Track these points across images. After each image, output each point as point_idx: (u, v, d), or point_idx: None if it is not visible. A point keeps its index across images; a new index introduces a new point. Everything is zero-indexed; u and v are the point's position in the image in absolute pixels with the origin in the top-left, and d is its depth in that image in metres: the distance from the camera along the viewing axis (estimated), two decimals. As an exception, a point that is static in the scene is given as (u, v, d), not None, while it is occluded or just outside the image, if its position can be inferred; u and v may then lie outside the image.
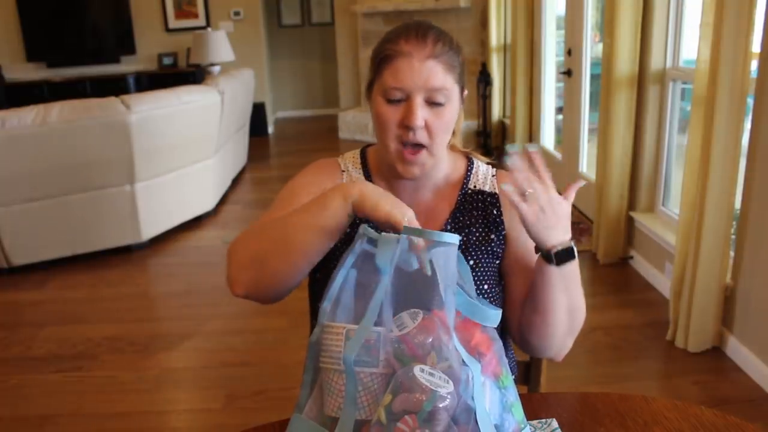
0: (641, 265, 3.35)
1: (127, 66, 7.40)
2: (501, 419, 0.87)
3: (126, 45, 7.32)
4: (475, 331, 0.90)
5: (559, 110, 4.91)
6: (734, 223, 2.50)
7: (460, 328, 0.88)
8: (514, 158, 1.01)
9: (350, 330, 0.87)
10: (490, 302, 1.16)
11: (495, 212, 1.20)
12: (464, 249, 1.17)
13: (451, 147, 1.26)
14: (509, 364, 1.22)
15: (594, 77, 4.05)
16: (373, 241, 0.94)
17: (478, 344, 0.89)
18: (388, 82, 1.09)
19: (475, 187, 1.23)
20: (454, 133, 1.24)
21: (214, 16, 7.40)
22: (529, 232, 1.03)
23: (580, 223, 4.04)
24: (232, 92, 4.63)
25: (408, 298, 0.89)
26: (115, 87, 6.61)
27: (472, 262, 1.16)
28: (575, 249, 1.05)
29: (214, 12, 7.39)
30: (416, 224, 0.94)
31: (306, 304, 1.27)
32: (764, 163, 2.31)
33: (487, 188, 1.23)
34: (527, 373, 1.37)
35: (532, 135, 5.26)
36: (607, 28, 3.27)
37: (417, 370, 0.82)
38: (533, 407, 1.05)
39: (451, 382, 0.82)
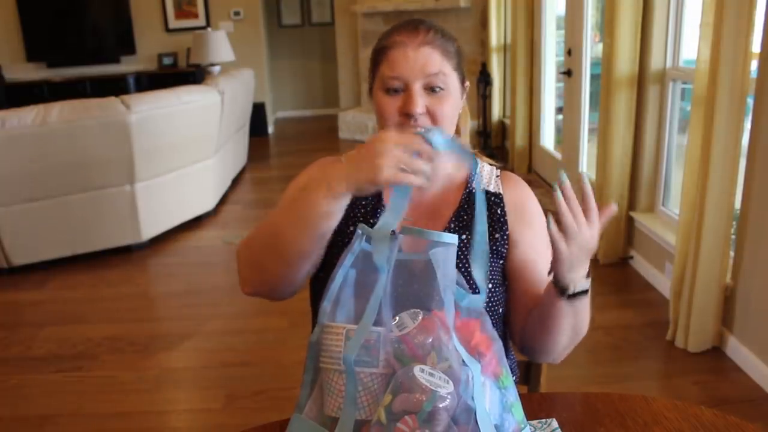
0: (641, 265, 3.35)
1: (127, 66, 7.39)
2: (501, 419, 0.87)
3: (126, 45, 7.31)
4: (475, 331, 0.90)
5: (559, 110, 4.91)
6: (734, 223, 2.50)
7: (460, 328, 0.88)
8: (563, 189, 0.95)
9: (350, 330, 0.87)
10: (494, 303, 1.16)
11: (499, 212, 1.20)
12: (468, 249, 1.16)
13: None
14: (510, 365, 1.23)
15: (594, 77, 4.05)
16: (372, 240, 0.94)
17: (478, 344, 0.89)
18: (386, 73, 1.11)
19: (479, 186, 1.23)
20: (459, 132, 1.24)
21: (214, 16, 7.40)
22: (555, 268, 1.00)
23: (580, 223, 4.03)
24: (232, 92, 4.63)
25: (407, 298, 0.90)
26: (115, 87, 6.61)
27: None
28: (589, 284, 1.02)
29: (214, 12, 7.39)
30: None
31: (306, 304, 1.27)
32: (764, 163, 2.31)
33: (491, 188, 1.22)
34: (527, 373, 1.37)
35: (532, 135, 5.26)
36: (607, 28, 3.27)
37: (417, 370, 0.82)
38: (533, 407, 1.05)
39: (451, 383, 0.82)
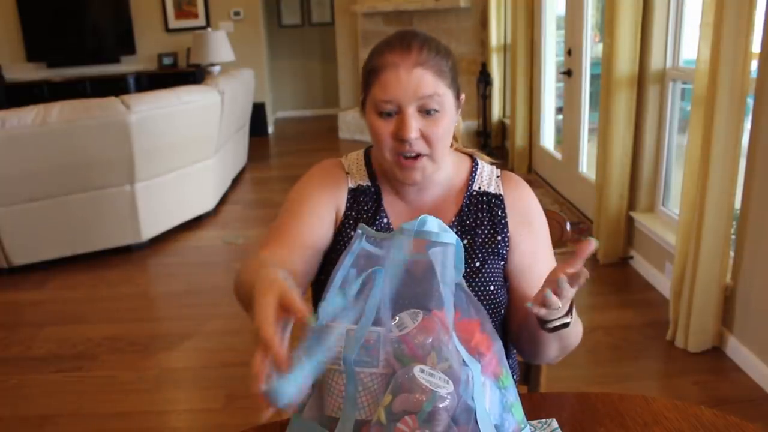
0: (641, 265, 3.35)
1: (127, 66, 7.40)
2: (501, 419, 0.87)
3: (126, 45, 7.32)
4: (475, 331, 0.90)
5: (559, 110, 4.91)
6: (734, 223, 2.50)
7: (459, 328, 0.88)
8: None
9: (350, 330, 0.87)
10: (495, 304, 1.16)
11: (500, 213, 1.20)
12: (470, 251, 1.16)
13: (455, 148, 1.26)
14: (510, 365, 1.23)
15: (594, 77, 4.05)
16: (371, 240, 0.94)
17: (478, 344, 0.89)
18: (378, 96, 1.08)
19: (480, 188, 1.22)
20: (455, 137, 1.24)
21: (214, 16, 7.40)
22: (536, 314, 0.97)
23: (580, 223, 4.04)
24: (232, 92, 4.63)
25: (407, 298, 0.90)
26: (115, 87, 6.61)
27: (478, 264, 1.16)
28: (571, 318, 1.00)
29: (214, 12, 7.39)
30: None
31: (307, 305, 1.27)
32: (764, 163, 2.31)
33: (492, 189, 1.22)
34: (527, 373, 1.38)
35: (532, 135, 5.26)
36: (607, 28, 3.27)
37: (417, 370, 0.82)
38: (533, 407, 1.05)
39: (451, 383, 0.82)
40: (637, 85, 3.25)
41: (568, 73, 4.31)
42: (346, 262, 0.94)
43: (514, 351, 1.28)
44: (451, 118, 1.12)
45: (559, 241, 1.37)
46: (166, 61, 7.37)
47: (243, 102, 5.29)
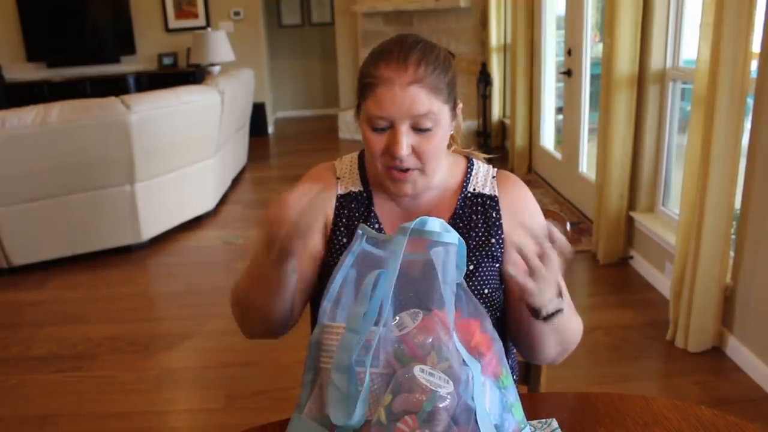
0: (641, 265, 3.35)
1: (127, 66, 7.39)
2: (501, 419, 0.87)
3: (126, 45, 7.31)
4: (475, 331, 0.90)
5: (559, 110, 4.91)
6: (734, 223, 2.50)
7: (460, 328, 0.88)
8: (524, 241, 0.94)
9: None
10: (491, 307, 1.16)
11: (495, 215, 1.19)
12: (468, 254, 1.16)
13: (453, 150, 1.26)
14: (510, 365, 1.23)
15: (594, 77, 4.05)
16: (371, 241, 0.94)
17: (478, 344, 0.89)
18: (372, 111, 1.07)
19: (474, 189, 1.21)
20: (454, 139, 1.23)
21: (214, 16, 7.40)
22: (524, 298, 0.97)
23: (580, 223, 4.04)
24: (232, 92, 4.63)
25: (407, 298, 0.89)
26: (115, 87, 6.61)
27: (472, 267, 1.15)
28: (563, 304, 1.00)
29: (214, 12, 7.39)
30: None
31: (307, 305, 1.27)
32: (764, 163, 2.31)
33: (486, 191, 1.21)
34: (527, 373, 1.38)
35: (532, 135, 5.26)
36: (607, 28, 3.27)
37: (417, 370, 0.82)
38: (533, 407, 1.05)
39: (451, 382, 0.82)
40: (637, 85, 3.25)
41: (568, 73, 4.31)
42: (347, 261, 0.94)
43: (514, 351, 1.27)
44: (445, 132, 1.11)
45: (559, 241, 1.37)
46: (166, 61, 7.37)
47: (243, 102, 5.29)
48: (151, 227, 4.01)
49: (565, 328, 1.07)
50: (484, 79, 5.83)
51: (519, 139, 5.33)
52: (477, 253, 1.16)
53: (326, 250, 1.19)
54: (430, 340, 0.85)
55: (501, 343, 0.93)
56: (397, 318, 0.88)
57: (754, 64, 2.31)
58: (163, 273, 3.79)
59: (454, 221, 1.19)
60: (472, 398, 0.83)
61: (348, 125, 7.21)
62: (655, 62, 3.18)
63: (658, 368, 2.61)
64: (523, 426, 0.90)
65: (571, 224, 1.43)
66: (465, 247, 0.90)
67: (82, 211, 3.76)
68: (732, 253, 2.54)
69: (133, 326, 3.09)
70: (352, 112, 7.19)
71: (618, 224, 3.44)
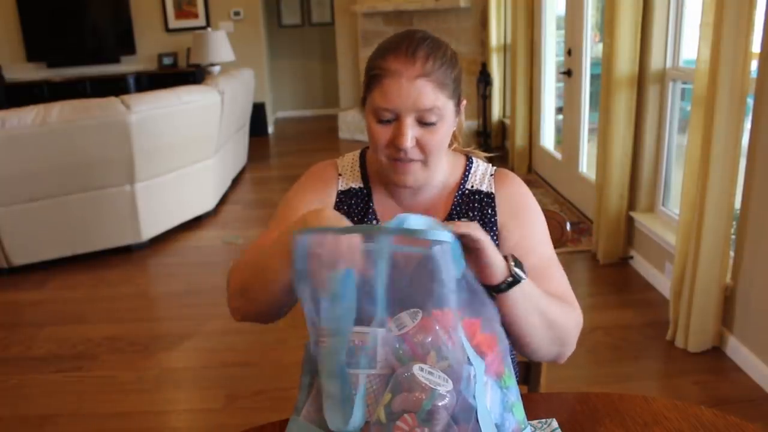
0: (641, 265, 3.35)
1: (127, 66, 7.40)
2: (502, 419, 0.87)
3: (126, 45, 7.32)
4: (477, 330, 0.90)
5: (559, 110, 4.91)
6: (734, 223, 2.50)
7: (462, 328, 0.88)
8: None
9: (353, 333, 0.87)
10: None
11: (490, 212, 1.20)
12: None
13: (453, 149, 1.26)
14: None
15: (594, 77, 4.05)
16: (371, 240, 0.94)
17: (480, 344, 0.89)
18: (378, 103, 1.08)
19: (472, 187, 1.22)
20: (456, 137, 1.24)
21: (214, 16, 7.40)
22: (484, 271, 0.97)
23: (580, 223, 4.04)
24: (232, 92, 4.63)
25: (405, 298, 0.89)
26: (115, 87, 6.61)
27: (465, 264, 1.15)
28: (519, 271, 1.00)
29: (214, 12, 7.39)
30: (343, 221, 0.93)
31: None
32: (764, 163, 2.31)
33: (483, 188, 1.22)
34: (527, 373, 1.38)
35: (532, 135, 5.26)
36: (607, 28, 3.27)
37: (416, 369, 0.82)
38: (533, 407, 1.05)
39: (450, 381, 0.82)
40: (637, 85, 3.25)
41: (568, 73, 4.31)
42: None
43: (514, 351, 1.27)
44: (449, 127, 1.12)
45: (559, 241, 1.37)
46: (166, 61, 7.37)
47: (243, 102, 5.29)
48: (151, 227, 4.02)
49: (549, 311, 1.05)
50: (484, 79, 5.83)
51: (519, 139, 5.33)
52: None
53: None
54: (430, 339, 0.85)
55: (506, 343, 0.93)
56: (397, 317, 0.88)
57: (754, 64, 2.31)
58: (163, 273, 3.79)
59: (451, 218, 1.20)
60: (473, 397, 0.83)
61: (348, 125, 7.21)
62: (655, 62, 3.18)
63: (658, 368, 2.61)
64: (523, 426, 0.90)
65: (571, 224, 1.43)
66: (459, 245, 0.90)
67: (82, 211, 3.76)
68: (732, 253, 2.54)
69: (133, 326, 3.09)
70: (352, 112, 7.21)
71: (618, 224, 3.44)
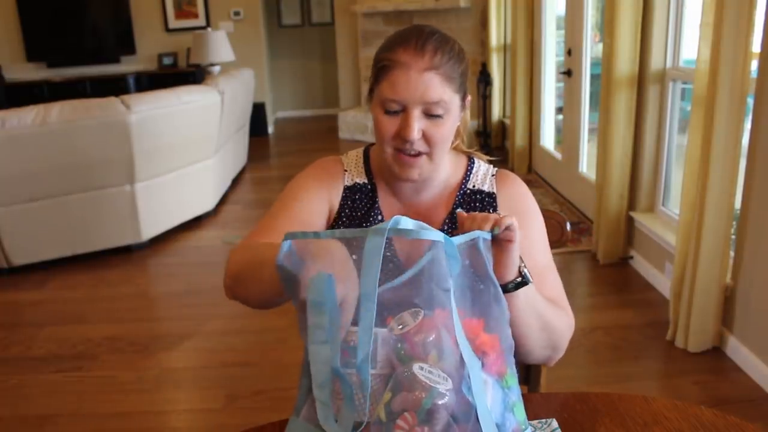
0: (641, 265, 3.35)
1: (127, 66, 7.40)
2: (503, 418, 0.87)
3: (126, 45, 7.32)
4: (479, 330, 0.90)
5: (559, 110, 4.91)
6: (734, 223, 2.50)
7: (463, 327, 0.88)
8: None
9: (349, 332, 0.87)
10: None
11: (491, 212, 1.20)
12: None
13: (455, 147, 1.26)
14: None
15: (594, 77, 4.05)
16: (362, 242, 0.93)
17: (483, 344, 0.89)
18: (386, 94, 1.09)
19: (474, 186, 1.22)
20: (459, 133, 1.24)
21: (214, 16, 7.40)
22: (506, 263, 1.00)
23: (580, 223, 4.04)
24: (232, 92, 4.63)
25: (399, 298, 0.89)
26: (115, 87, 6.61)
27: (468, 262, 1.15)
28: (526, 273, 1.03)
29: (214, 12, 7.39)
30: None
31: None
32: (764, 163, 2.31)
33: (485, 188, 1.22)
34: (527, 373, 1.38)
35: (532, 135, 5.26)
36: (607, 28, 3.27)
37: (416, 368, 0.82)
38: (533, 407, 1.05)
39: (450, 380, 0.82)
40: (637, 85, 3.25)
41: (568, 73, 4.31)
42: None
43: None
44: (454, 121, 1.13)
45: (558, 241, 1.37)
46: (166, 61, 7.37)
47: (243, 102, 5.29)
48: (151, 227, 4.02)
49: (545, 314, 1.06)
50: (484, 79, 5.83)
51: (519, 139, 5.33)
52: None
53: None
54: (431, 338, 0.85)
55: (510, 343, 0.93)
56: (398, 317, 0.88)
57: (754, 64, 2.31)
58: (163, 273, 3.79)
59: (452, 216, 1.20)
60: (473, 396, 0.83)
61: (348, 125, 7.21)
62: (655, 62, 3.18)
63: (658, 368, 2.61)
64: (524, 427, 0.90)
65: (571, 224, 1.43)
66: (454, 244, 0.89)
67: (82, 211, 3.76)
68: (732, 253, 2.54)
69: (133, 326, 3.09)
70: (352, 112, 7.21)
71: (618, 224, 3.44)
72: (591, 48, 4.11)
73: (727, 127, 2.34)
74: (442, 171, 1.21)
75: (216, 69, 6.21)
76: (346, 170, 1.25)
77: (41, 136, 3.46)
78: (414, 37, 1.09)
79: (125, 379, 2.64)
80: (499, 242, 0.97)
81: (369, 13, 6.89)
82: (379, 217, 1.21)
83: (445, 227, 1.19)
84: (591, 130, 4.16)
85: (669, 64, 3.16)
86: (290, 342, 2.81)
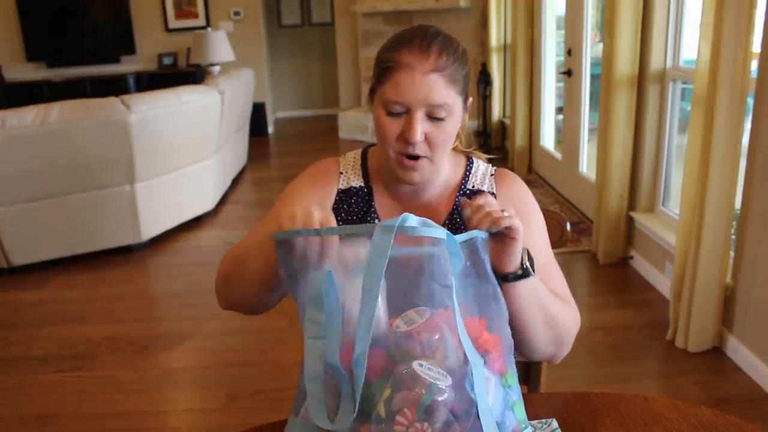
0: (641, 265, 3.35)
1: (127, 66, 7.40)
2: (503, 417, 0.88)
3: (126, 45, 7.32)
4: (482, 329, 0.90)
5: (559, 110, 4.91)
6: (734, 223, 2.50)
7: (465, 325, 0.88)
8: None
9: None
10: None
11: None
12: None
13: (453, 148, 1.26)
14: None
15: (594, 77, 4.05)
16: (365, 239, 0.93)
17: (485, 342, 0.89)
18: (389, 95, 1.07)
19: (473, 187, 1.22)
20: (458, 135, 1.24)
21: (214, 16, 7.40)
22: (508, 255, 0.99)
23: (580, 223, 4.04)
24: (232, 92, 4.63)
25: (401, 297, 0.89)
26: (115, 87, 6.61)
27: (469, 263, 1.15)
28: (530, 265, 1.02)
29: (214, 12, 7.39)
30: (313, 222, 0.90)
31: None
32: (764, 163, 2.31)
33: (485, 187, 1.22)
34: (527, 373, 1.37)
35: (532, 135, 5.26)
36: (607, 28, 3.27)
37: (416, 365, 0.82)
38: (533, 407, 1.05)
39: (449, 377, 0.82)
40: (637, 85, 3.25)
41: (568, 73, 4.31)
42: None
43: (514, 351, 1.27)
44: (456, 124, 1.12)
45: (559, 241, 1.37)
46: (166, 61, 7.37)
47: (243, 102, 5.29)
48: (151, 227, 4.02)
49: (550, 307, 1.06)
50: (484, 79, 5.83)
51: (519, 139, 5.33)
52: None
53: None
54: (437, 337, 0.85)
55: (511, 341, 0.93)
56: (404, 315, 0.88)
57: (754, 64, 2.31)
58: (163, 273, 3.79)
59: (452, 218, 1.20)
60: (474, 393, 0.83)
61: (348, 125, 7.21)
62: (655, 62, 3.18)
63: (658, 368, 2.61)
64: (524, 426, 0.90)
65: (571, 224, 1.43)
66: (457, 242, 0.89)
67: (82, 211, 3.76)
68: (732, 253, 2.54)
69: (133, 326, 3.09)
70: (352, 112, 7.21)
71: (618, 224, 3.44)
72: (591, 48, 4.11)
73: (727, 127, 2.34)
74: (442, 172, 1.20)
75: (216, 69, 6.21)
76: (341, 173, 1.24)
77: (41, 136, 3.46)
78: (418, 38, 1.08)
79: (125, 379, 2.64)
80: (503, 237, 0.97)
81: (369, 13, 6.89)
82: (376, 220, 1.20)
83: (446, 228, 1.19)
84: (591, 130, 4.16)
85: (669, 64, 3.16)
86: (290, 342, 2.81)
